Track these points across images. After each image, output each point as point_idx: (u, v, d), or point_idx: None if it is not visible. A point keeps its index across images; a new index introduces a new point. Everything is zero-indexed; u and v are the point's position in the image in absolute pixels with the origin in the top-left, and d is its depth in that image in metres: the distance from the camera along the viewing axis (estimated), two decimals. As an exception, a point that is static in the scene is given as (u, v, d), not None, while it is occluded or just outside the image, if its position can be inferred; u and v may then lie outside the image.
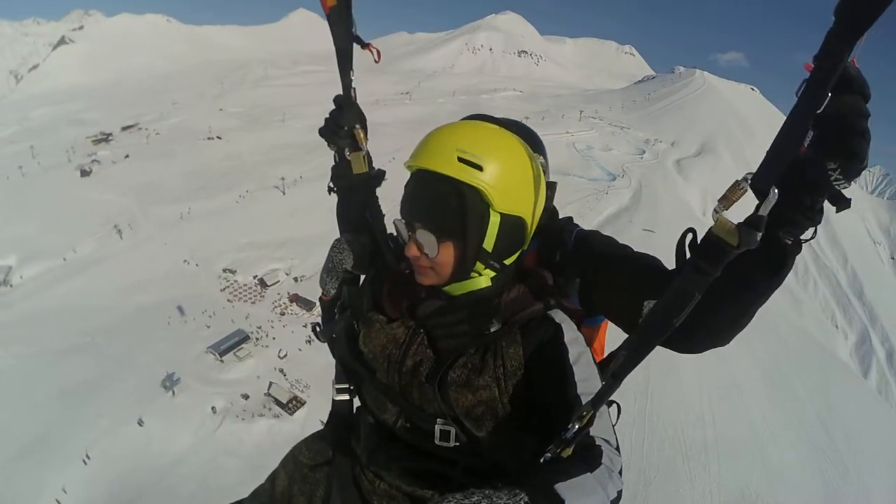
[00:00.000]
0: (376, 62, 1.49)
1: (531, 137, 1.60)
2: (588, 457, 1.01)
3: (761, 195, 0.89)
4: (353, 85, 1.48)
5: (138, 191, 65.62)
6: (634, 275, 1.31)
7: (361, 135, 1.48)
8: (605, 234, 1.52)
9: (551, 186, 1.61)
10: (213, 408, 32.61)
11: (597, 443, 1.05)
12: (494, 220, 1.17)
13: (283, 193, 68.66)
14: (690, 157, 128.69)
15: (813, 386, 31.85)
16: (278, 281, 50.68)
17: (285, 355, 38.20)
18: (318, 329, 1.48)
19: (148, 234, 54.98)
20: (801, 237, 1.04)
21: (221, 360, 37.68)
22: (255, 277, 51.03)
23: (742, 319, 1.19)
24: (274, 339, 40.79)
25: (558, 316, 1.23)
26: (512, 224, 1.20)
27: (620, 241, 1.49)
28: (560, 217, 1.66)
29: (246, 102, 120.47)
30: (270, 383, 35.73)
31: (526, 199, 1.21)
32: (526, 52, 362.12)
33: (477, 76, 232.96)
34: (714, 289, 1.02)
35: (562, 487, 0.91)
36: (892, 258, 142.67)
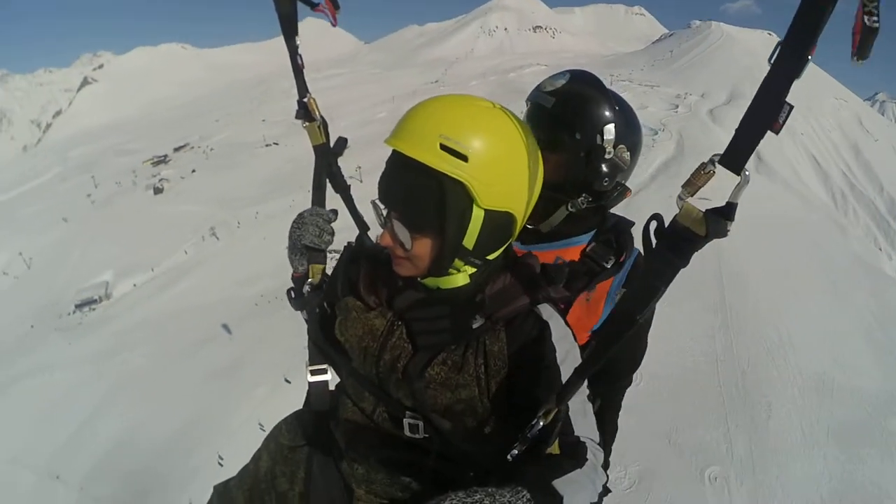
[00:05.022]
0: (333, 25, 1.39)
1: (624, 113, 1.51)
2: (575, 453, 1.02)
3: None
4: (300, 52, 1.38)
5: (218, 198, 68.05)
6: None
7: (314, 104, 1.40)
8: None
9: (620, 190, 1.55)
10: (361, 360, 35.30)
11: (581, 440, 1.05)
12: (478, 216, 1.05)
13: (361, 181, 70.62)
14: (722, 105, 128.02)
15: (866, 295, 33.50)
16: (386, 253, 54.02)
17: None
18: (291, 296, 1.41)
19: (244, 233, 56.34)
20: None
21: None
22: (364, 254, 54.26)
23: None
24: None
25: (546, 311, 1.17)
26: (498, 220, 1.08)
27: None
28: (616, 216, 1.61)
29: (285, 111, 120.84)
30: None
31: (517, 192, 1.09)
32: (541, 27, 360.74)
33: (498, 57, 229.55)
34: None
35: (558, 484, 0.91)
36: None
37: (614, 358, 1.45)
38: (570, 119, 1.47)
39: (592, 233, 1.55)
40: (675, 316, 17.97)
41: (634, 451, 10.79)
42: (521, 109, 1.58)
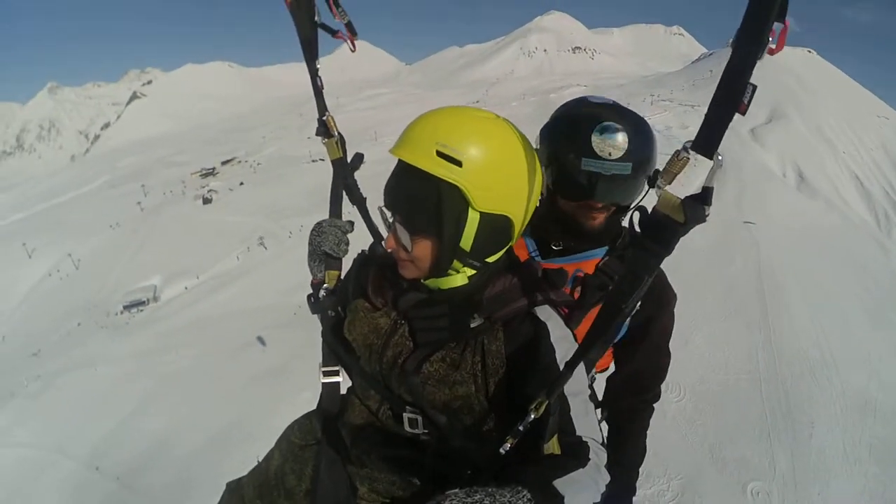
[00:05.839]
0: (352, 51, 1.42)
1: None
2: (577, 453, 1.02)
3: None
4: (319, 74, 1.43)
5: (266, 210, 69.22)
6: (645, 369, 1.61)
7: (332, 121, 1.45)
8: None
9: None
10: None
11: (583, 440, 1.05)
12: (473, 219, 1.08)
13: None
14: (762, 124, 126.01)
15: (907, 313, 32.92)
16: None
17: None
18: (311, 300, 1.47)
19: (292, 243, 56.22)
20: None
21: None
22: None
23: None
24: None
25: (544, 313, 1.19)
26: (494, 223, 1.11)
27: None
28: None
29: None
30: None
31: (513, 196, 1.11)
32: (580, 48, 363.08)
33: (537, 78, 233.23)
34: None
35: (559, 483, 0.91)
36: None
37: (639, 370, 1.75)
38: (646, 167, 1.48)
39: (606, 248, 1.57)
40: (717, 333, 18.06)
41: (677, 465, 11.15)
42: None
